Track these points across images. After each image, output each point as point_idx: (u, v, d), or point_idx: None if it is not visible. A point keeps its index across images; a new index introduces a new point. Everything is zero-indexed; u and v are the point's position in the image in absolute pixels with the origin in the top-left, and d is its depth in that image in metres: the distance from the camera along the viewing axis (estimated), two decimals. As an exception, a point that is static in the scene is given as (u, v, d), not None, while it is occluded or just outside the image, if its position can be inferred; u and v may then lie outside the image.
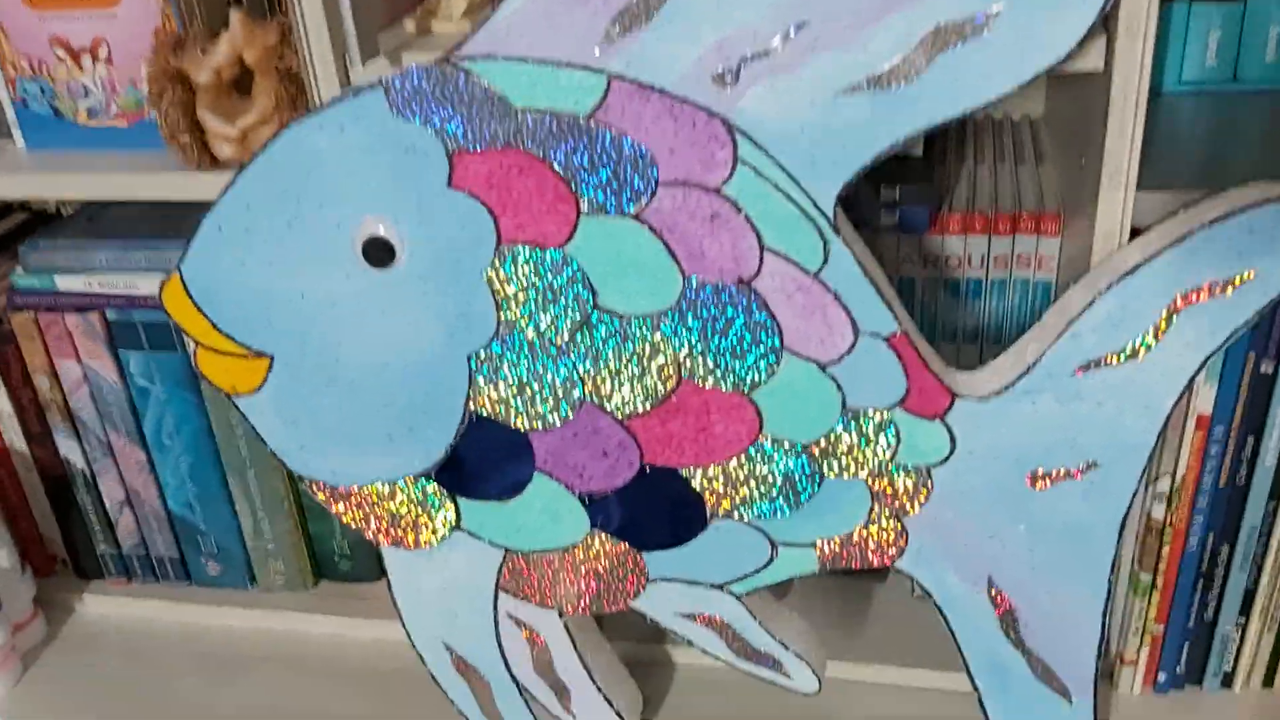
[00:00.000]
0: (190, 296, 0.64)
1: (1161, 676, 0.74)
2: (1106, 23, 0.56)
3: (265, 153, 0.60)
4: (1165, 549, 0.69)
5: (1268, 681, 0.74)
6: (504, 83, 0.55)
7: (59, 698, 0.83)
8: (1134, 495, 0.59)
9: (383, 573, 0.86)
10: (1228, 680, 0.74)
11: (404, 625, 0.71)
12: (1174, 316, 0.55)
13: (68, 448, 0.84)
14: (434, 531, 0.67)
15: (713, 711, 0.77)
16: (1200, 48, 0.71)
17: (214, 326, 0.64)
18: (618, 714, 0.71)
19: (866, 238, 0.60)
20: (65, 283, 0.78)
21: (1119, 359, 0.56)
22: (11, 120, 0.75)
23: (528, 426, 0.63)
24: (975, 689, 0.66)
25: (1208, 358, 0.56)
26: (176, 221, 0.77)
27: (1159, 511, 0.68)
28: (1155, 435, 0.58)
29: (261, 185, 0.60)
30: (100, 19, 0.71)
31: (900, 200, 0.70)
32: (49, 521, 0.89)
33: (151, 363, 0.79)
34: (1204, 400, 0.65)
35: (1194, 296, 0.54)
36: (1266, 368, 0.63)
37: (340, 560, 0.87)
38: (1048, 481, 0.60)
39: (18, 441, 0.85)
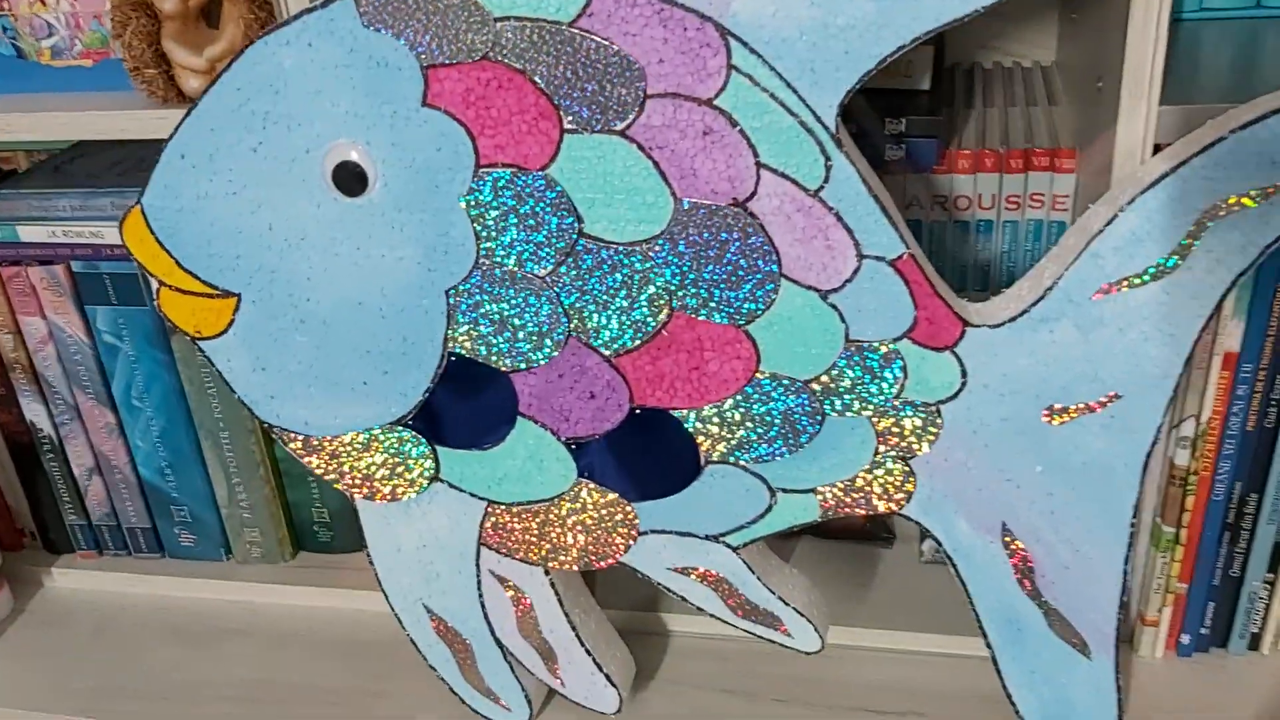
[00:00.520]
0: (152, 231, 0.60)
1: (1185, 638, 0.70)
2: (1125, -80, 0.52)
3: (229, 71, 0.56)
4: (1189, 499, 0.65)
5: (1297, 644, 0.70)
6: (481, -12, 0.52)
7: (27, 672, 0.79)
8: (1158, 431, 0.55)
9: (364, 543, 0.83)
10: (1255, 642, 0.70)
11: (381, 587, 0.67)
12: (1202, 231, 0.51)
13: (33, 411, 0.80)
14: (412, 484, 0.63)
15: (709, 681, 0.73)
16: (1220, -28, 0.67)
17: (177, 264, 0.60)
18: (607, 678, 0.67)
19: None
20: (29, 233, 0.74)
21: (1142, 280, 0.52)
22: (-30, 62, 0.72)
23: (510, 367, 0.59)
24: (988, 644, 0.62)
25: (1238, 278, 0.52)
26: (145, 167, 0.73)
27: (1183, 459, 0.64)
28: (1181, 364, 0.54)
29: (226, 107, 0.57)
30: (63, -51, 0.67)
31: (907, 132, 0.67)
32: (15, 493, 0.85)
33: (120, 318, 0.75)
34: (1230, 337, 0.61)
35: (1223, 208, 0.51)
36: (1296, 299, 0.59)
37: (319, 530, 0.83)
38: (1066, 416, 0.56)
39: (-19, 405, 0.81)
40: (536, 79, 0.53)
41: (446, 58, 0.53)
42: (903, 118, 0.67)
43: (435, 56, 0.53)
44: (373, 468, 0.63)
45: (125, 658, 0.79)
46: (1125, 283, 0.53)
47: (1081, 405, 0.55)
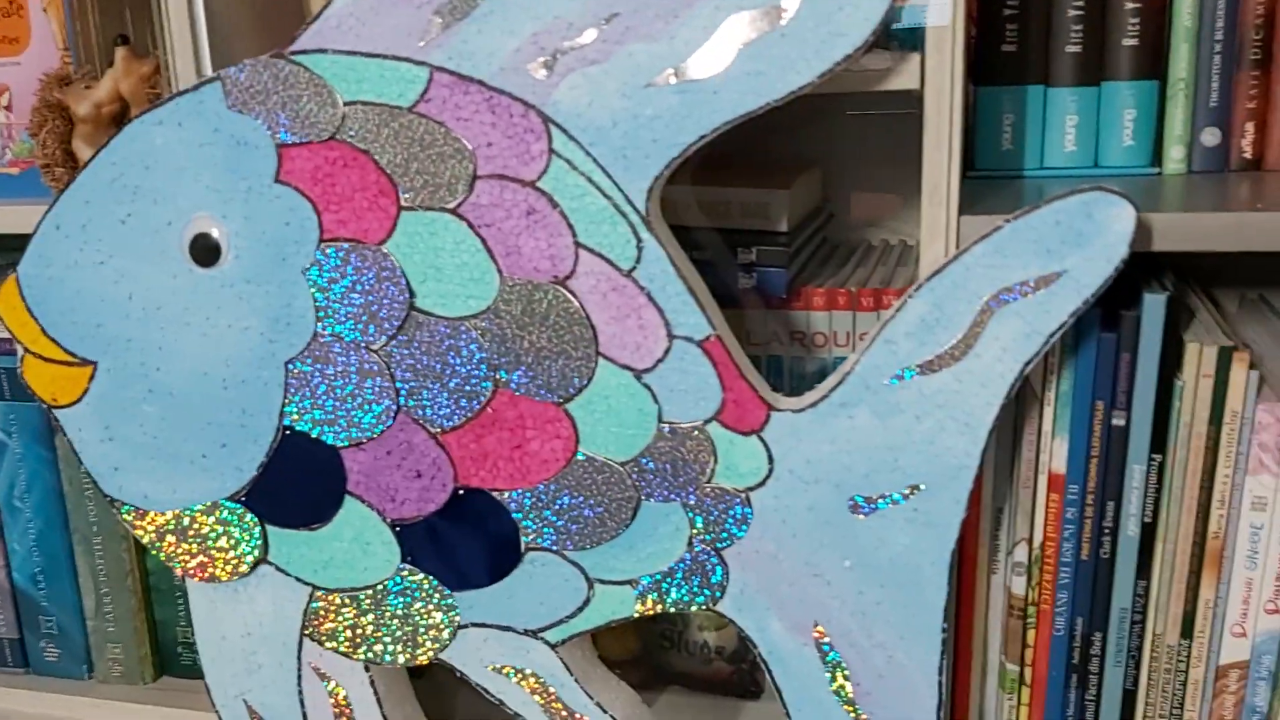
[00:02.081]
0: (23, 299, 0.64)
1: (1042, 799, 0.66)
2: (920, 44, 0.57)
3: (108, 148, 0.61)
4: (1030, 633, 0.64)
5: (1164, 813, 0.66)
6: (332, 75, 0.57)
7: None
8: (961, 526, 0.55)
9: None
10: (1119, 810, 0.66)
11: (205, 680, 0.66)
12: (988, 319, 0.53)
13: (-82, 508, 0.81)
14: (240, 562, 0.63)
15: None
16: (1059, 133, 0.72)
17: (43, 331, 0.63)
18: (426, 791, 0.64)
19: (727, 309, 0.59)
20: (-66, 325, 0.78)
21: (933, 367, 0.54)
22: (-86, 168, 0.78)
23: (342, 442, 0.61)
24: (807, 765, 0.59)
25: (1025, 366, 0.53)
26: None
27: (1019, 586, 0.63)
28: (978, 456, 0.54)
29: (101, 180, 0.61)
30: (5, 65, 0.75)
31: (758, 262, 0.70)
32: (-109, 597, 0.85)
33: (11, 413, 0.78)
34: (1055, 457, 0.61)
35: (1006, 295, 0.53)
36: (1118, 419, 0.60)
37: (183, 652, 0.82)
38: (871, 506, 0.56)
39: None
40: (378, 158, 0.57)
41: (298, 137, 0.58)
42: (753, 248, 0.70)
43: (289, 136, 0.58)
44: (203, 544, 0.64)
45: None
46: (918, 368, 0.54)
47: (885, 495, 0.56)
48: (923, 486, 0.55)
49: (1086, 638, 0.64)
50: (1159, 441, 0.60)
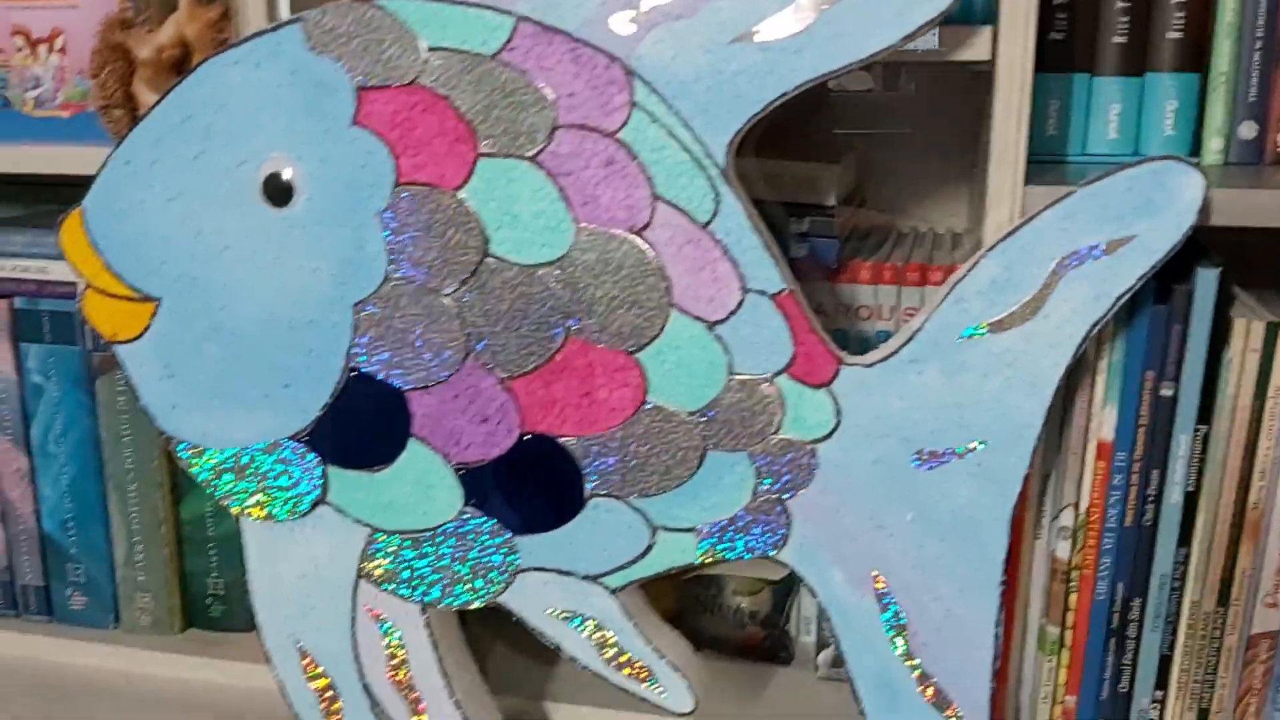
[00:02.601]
0: (87, 233, 0.64)
1: (1075, 759, 0.68)
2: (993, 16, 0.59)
3: (180, 86, 0.61)
4: (1073, 596, 0.65)
5: (1191, 777, 0.68)
6: (416, 20, 0.58)
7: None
8: (1023, 483, 0.57)
9: (255, 623, 0.82)
10: (1148, 771, 0.68)
11: (257, 620, 0.66)
12: (1057, 281, 0.55)
13: (-51, 451, 0.81)
14: (299, 501, 0.64)
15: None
16: (1102, 121, 0.74)
17: (106, 266, 0.64)
18: (474, 736, 0.65)
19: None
20: (-21, 266, 0.78)
21: (1002, 326, 0.55)
22: (-36, 110, 0.78)
23: (408, 385, 0.61)
24: (861, 713, 0.60)
25: (1092, 328, 0.55)
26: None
27: (1064, 550, 0.65)
28: (1043, 415, 0.56)
29: (173, 118, 0.61)
30: (62, 9, 0.74)
31: (810, 232, 0.71)
32: (-86, 543, 0.84)
33: (51, 356, 0.77)
34: (1105, 425, 0.63)
35: (1075, 259, 0.54)
36: (1167, 390, 0.62)
37: (212, 603, 0.82)
38: (935, 461, 0.57)
39: (-102, 445, 0.82)
40: (458, 104, 0.58)
41: (378, 81, 0.59)
42: (806, 218, 0.71)
43: (369, 80, 0.59)
44: (262, 483, 0.64)
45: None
46: (987, 327, 0.56)
47: (949, 451, 0.57)
48: (987, 443, 0.57)
49: (1126, 602, 0.65)
50: (1205, 413, 0.62)
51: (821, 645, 0.76)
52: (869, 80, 0.87)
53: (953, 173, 0.87)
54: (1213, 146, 0.72)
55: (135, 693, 0.78)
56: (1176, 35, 0.71)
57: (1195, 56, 0.72)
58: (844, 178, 0.76)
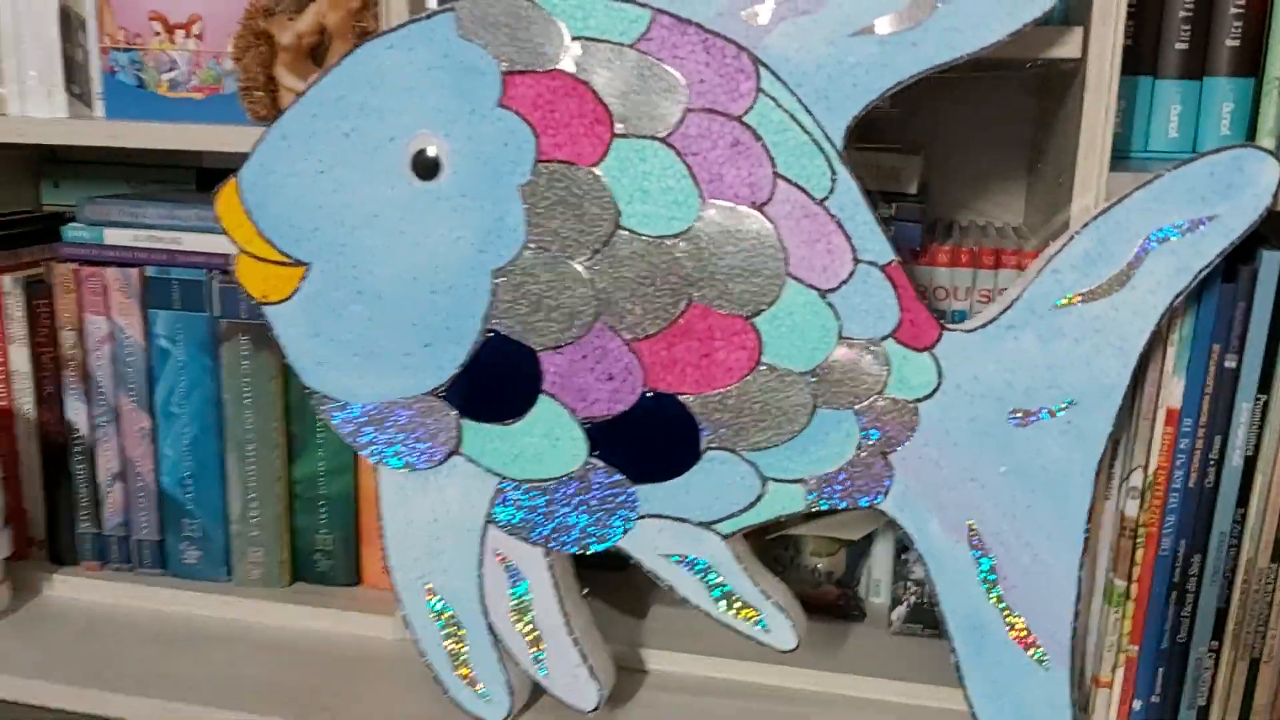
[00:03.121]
0: (242, 202, 0.69)
1: (1136, 704, 0.73)
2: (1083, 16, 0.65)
3: (338, 66, 0.67)
4: (1139, 553, 0.71)
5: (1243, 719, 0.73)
6: (561, 11, 0.63)
7: (16, 652, 0.80)
8: (1109, 440, 0.63)
9: (358, 577, 0.87)
10: (1202, 716, 0.73)
11: (387, 562, 0.72)
12: (1145, 255, 0.61)
13: (75, 411, 0.86)
14: (434, 453, 0.69)
15: (685, 712, 0.75)
16: (1164, 121, 0.80)
17: (258, 232, 0.69)
18: (591, 672, 0.70)
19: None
20: (113, 236, 0.83)
21: (1094, 296, 0.61)
22: (96, 92, 0.83)
23: (540, 345, 0.67)
24: (953, 651, 0.66)
25: (1175, 298, 0.61)
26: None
27: (1132, 509, 0.70)
28: (1128, 377, 0.62)
29: (329, 96, 0.67)
30: (200, -3, 0.80)
31: (895, 216, 0.77)
32: (36, 497, 0.89)
33: (178, 322, 0.83)
34: (1173, 393, 0.69)
35: (1161, 235, 0.60)
36: (1230, 361, 0.68)
37: (319, 558, 0.87)
38: (1029, 419, 0.63)
39: (25, 404, 0.87)
40: (596, 89, 0.64)
41: (524, 66, 0.64)
42: (893, 204, 0.77)
43: (515, 65, 0.64)
44: (400, 436, 0.69)
45: (109, 652, 0.81)
46: (1080, 297, 0.61)
47: (1042, 410, 0.63)
48: (1077, 403, 0.62)
49: (1187, 559, 0.71)
50: (1265, 383, 0.68)
51: (895, 603, 0.82)
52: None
53: (1010, 171, 0.93)
54: (1265, 145, 0.78)
55: (248, 640, 0.83)
56: (1234, 43, 0.78)
57: (1250, 62, 0.78)
58: (921, 169, 0.82)
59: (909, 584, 0.81)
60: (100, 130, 0.80)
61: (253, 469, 0.85)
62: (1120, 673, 0.73)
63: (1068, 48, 0.64)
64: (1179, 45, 0.79)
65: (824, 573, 0.84)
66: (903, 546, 0.81)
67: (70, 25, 0.81)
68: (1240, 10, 0.77)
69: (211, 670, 0.79)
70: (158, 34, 0.81)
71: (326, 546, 0.87)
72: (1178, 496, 0.70)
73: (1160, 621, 0.72)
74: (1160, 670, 0.73)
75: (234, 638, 0.83)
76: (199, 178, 0.98)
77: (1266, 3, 0.76)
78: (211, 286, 0.82)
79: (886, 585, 0.86)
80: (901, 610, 0.81)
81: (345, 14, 0.74)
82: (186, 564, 0.88)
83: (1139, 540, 0.71)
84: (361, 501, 0.86)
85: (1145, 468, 0.70)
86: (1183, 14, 0.78)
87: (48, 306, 0.85)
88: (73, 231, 0.84)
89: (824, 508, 0.66)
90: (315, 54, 0.77)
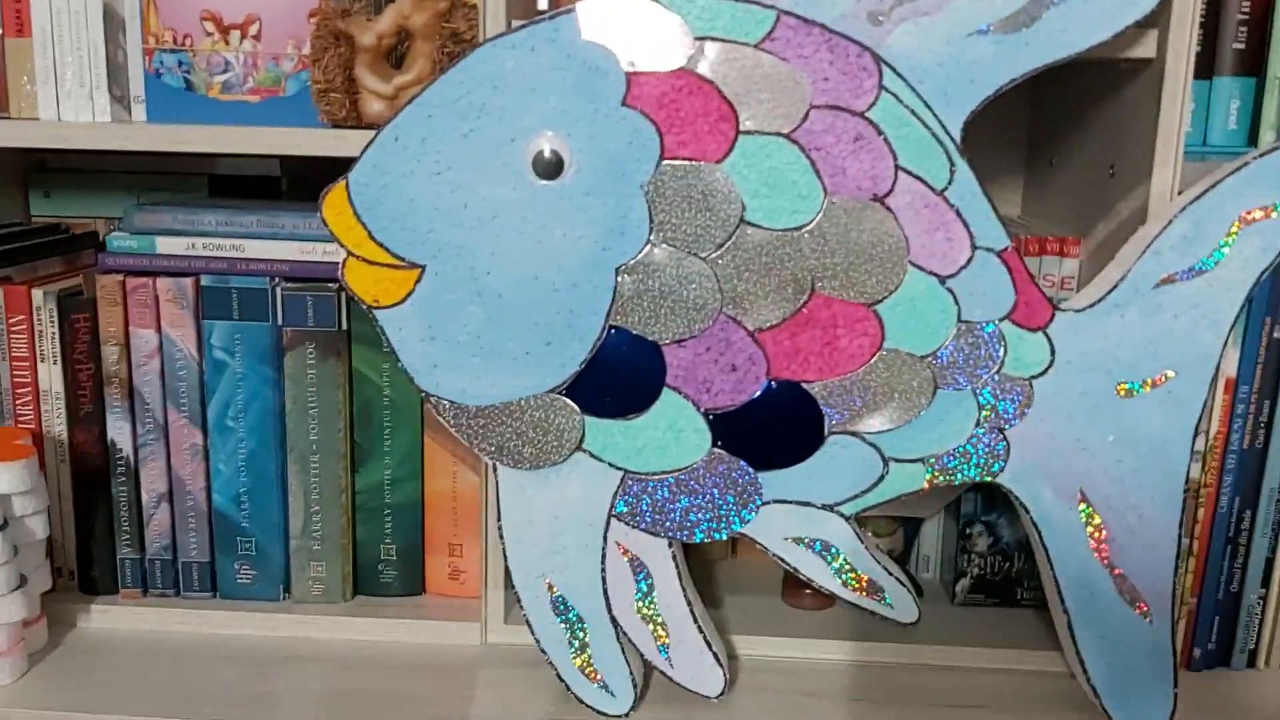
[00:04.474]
0: (352, 205, 0.68)
1: (1196, 653, 0.80)
2: (1157, 19, 0.70)
3: (455, 68, 0.66)
4: (1200, 511, 0.77)
5: (1287, 662, 0.81)
6: (685, 12, 0.65)
7: (73, 693, 0.76)
8: (1204, 406, 0.68)
9: (421, 587, 0.86)
10: (1252, 659, 0.80)
11: (507, 561, 0.71)
12: (1235, 235, 0.66)
13: (117, 429, 0.82)
14: (557, 451, 0.69)
15: (788, 686, 0.77)
16: (1224, 116, 0.87)
17: (369, 236, 0.68)
18: (715, 657, 0.72)
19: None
20: (166, 245, 0.79)
21: (1192, 273, 0.67)
22: (135, 95, 0.80)
23: (664, 339, 0.68)
24: (1064, 610, 0.70)
25: (1261, 275, 0.67)
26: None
27: (1195, 471, 0.77)
28: (1221, 346, 0.68)
29: (447, 97, 0.67)
30: (258, -3, 0.78)
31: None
32: (67, 524, 0.85)
33: (237, 333, 0.80)
34: (1230, 364, 0.75)
35: (1251, 216, 0.66)
36: (1280, 333, 0.75)
37: (383, 569, 0.85)
38: (1133, 391, 0.68)
39: (58, 426, 0.82)
40: (721, 88, 0.66)
41: (649, 66, 0.66)
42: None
43: (639, 65, 0.65)
44: (521, 435, 0.69)
45: (173, 673, 0.78)
46: (1179, 275, 0.67)
47: (1145, 381, 0.68)
48: (1177, 372, 0.68)
49: (1240, 514, 0.78)
50: (1309, 351, 0.75)
51: (959, 576, 0.86)
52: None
53: (1006, 166, 0.98)
54: (1267, 139, 0.86)
55: (309, 656, 0.81)
56: (1239, 46, 0.85)
57: (1254, 63, 0.86)
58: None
59: (972, 556, 0.85)
60: (152, 135, 0.77)
61: (315, 481, 0.82)
62: (1182, 625, 0.79)
63: (1144, 48, 0.70)
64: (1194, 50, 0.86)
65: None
66: (967, 522, 0.85)
67: (111, 25, 0.78)
68: (1244, 17, 0.84)
69: (299, 686, 0.77)
70: (210, 34, 0.78)
71: (390, 557, 0.85)
72: (1234, 458, 0.77)
73: (1218, 574, 0.79)
74: (1216, 619, 0.80)
75: (307, 655, 0.81)
76: (211, 185, 0.95)
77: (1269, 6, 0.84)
78: (275, 294, 0.79)
79: (934, 561, 0.91)
80: (965, 583, 0.86)
81: (433, 15, 0.73)
82: (240, 584, 0.85)
83: (1201, 499, 0.77)
84: (427, 509, 0.85)
85: (1207, 433, 0.76)
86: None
87: (87, 321, 0.81)
88: (118, 240, 0.80)
89: (942, 483, 0.70)
90: (394, 55, 0.76)
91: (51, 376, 0.82)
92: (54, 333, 0.81)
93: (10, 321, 0.81)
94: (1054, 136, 0.90)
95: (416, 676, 0.78)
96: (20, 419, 0.83)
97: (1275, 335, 0.75)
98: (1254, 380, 0.76)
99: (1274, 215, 0.66)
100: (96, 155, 0.93)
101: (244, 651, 0.81)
